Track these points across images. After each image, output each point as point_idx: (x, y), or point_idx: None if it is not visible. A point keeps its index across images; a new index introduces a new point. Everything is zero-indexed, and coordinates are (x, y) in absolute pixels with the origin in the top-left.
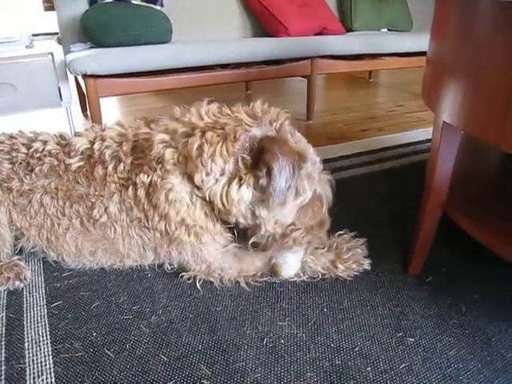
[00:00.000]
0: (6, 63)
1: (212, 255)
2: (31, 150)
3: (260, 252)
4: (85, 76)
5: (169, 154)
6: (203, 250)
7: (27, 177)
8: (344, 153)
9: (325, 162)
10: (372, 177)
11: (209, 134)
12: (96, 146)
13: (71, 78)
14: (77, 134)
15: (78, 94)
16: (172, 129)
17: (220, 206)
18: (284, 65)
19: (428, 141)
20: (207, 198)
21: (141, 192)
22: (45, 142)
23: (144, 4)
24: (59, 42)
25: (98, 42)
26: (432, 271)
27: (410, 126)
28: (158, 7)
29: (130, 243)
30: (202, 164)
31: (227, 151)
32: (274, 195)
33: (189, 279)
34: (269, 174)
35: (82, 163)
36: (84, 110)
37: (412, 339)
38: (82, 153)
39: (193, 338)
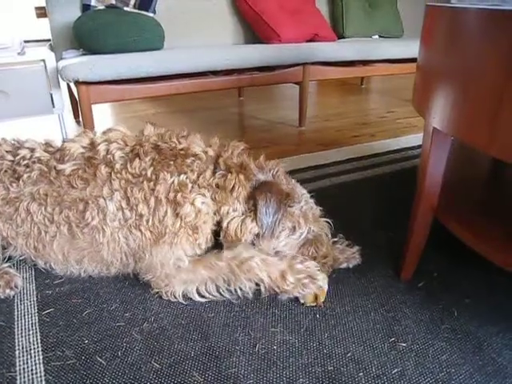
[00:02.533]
0: None
1: (172, 259)
2: (18, 158)
3: (208, 258)
4: (77, 83)
5: (209, 174)
6: (173, 252)
7: (13, 184)
8: (336, 159)
9: (316, 168)
10: (363, 182)
11: (241, 177)
12: (102, 147)
13: (63, 84)
14: (67, 141)
15: (71, 100)
16: (211, 156)
17: (233, 234)
18: (276, 71)
19: (419, 146)
20: (223, 225)
21: (160, 187)
22: (32, 150)
23: (136, 11)
24: (51, 48)
25: (90, 49)
26: (424, 276)
27: (401, 131)
28: (151, 14)
29: (114, 249)
30: (231, 201)
31: (246, 193)
32: (261, 227)
33: (156, 293)
34: (255, 206)
35: (77, 166)
36: (76, 116)
37: (404, 344)
38: (76, 157)
39: (185, 345)
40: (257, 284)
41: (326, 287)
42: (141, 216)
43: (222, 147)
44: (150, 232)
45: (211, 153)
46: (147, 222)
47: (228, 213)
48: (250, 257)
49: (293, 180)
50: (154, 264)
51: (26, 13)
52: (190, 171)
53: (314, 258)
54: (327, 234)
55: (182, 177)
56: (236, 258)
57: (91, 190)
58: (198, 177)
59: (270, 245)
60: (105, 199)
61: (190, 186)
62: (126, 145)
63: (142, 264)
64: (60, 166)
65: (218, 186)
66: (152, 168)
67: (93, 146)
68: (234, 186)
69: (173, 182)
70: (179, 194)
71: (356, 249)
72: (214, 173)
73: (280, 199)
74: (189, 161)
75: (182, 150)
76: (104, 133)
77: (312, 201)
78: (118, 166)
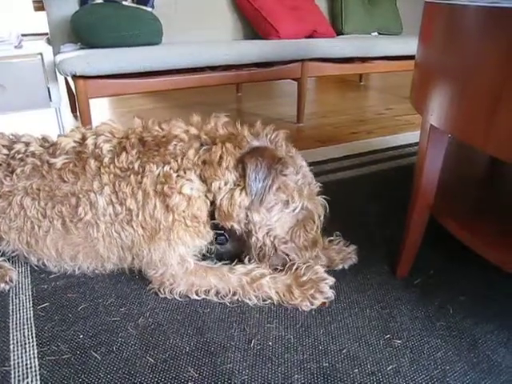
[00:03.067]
0: None
1: (174, 259)
2: (12, 152)
3: (220, 268)
4: (74, 77)
5: (191, 154)
6: (172, 249)
7: (7, 178)
8: (333, 155)
9: (314, 164)
10: (361, 179)
11: (229, 145)
12: (90, 141)
13: (61, 78)
14: (61, 135)
15: (68, 94)
16: (193, 134)
17: (225, 210)
18: (274, 67)
19: (416, 144)
20: (217, 203)
21: (147, 180)
22: (27, 144)
23: (134, 5)
24: (49, 42)
25: (87, 43)
26: (420, 273)
27: (399, 129)
28: (149, 9)
29: (110, 243)
30: (221, 174)
31: (237, 161)
32: (250, 193)
33: (152, 288)
34: (244, 171)
35: (67, 160)
36: (74, 110)
37: (399, 341)
38: (67, 151)
39: (180, 340)
40: (264, 300)
41: (332, 296)
42: (130, 211)
43: (203, 122)
44: (143, 228)
45: (193, 131)
46: (137, 216)
47: (220, 188)
48: (262, 274)
49: (294, 149)
50: (153, 261)
51: (23, 6)
52: (173, 158)
53: (305, 248)
54: (320, 215)
55: (166, 167)
56: (248, 275)
57: (82, 184)
58: (182, 160)
59: (262, 218)
60: (95, 193)
61: (174, 175)
62: (114, 137)
63: (140, 261)
64: (52, 160)
65: (204, 162)
66: (139, 161)
67: (83, 140)
68: (221, 157)
69: (159, 173)
70: (166, 186)
71: (352, 248)
72: (198, 150)
73: (271, 164)
74: (171, 147)
75: (163, 137)
76: (92, 128)
77: (311, 175)
78: (106, 159)
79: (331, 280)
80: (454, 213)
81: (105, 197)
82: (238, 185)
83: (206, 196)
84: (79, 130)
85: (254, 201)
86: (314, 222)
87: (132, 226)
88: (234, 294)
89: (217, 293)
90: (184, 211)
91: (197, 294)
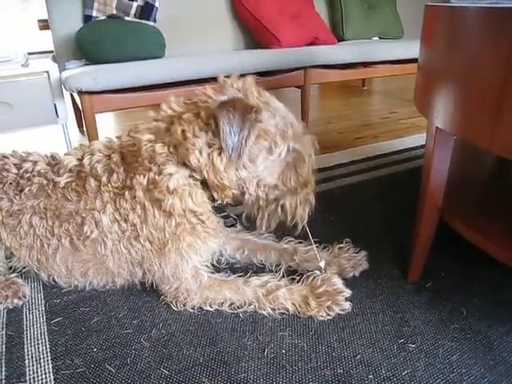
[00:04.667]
0: (2, 82)
1: (187, 272)
2: (21, 171)
3: (235, 281)
4: (80, 93)
5: (159, 148)
6: (185, 261)
7: (17, 197)
8: (340, 161)
9: (321, 171)
10: (368, 184)
11: (185, 115)
12: (86, 160)
13: (67, 94)
14: (66, 154)
15: (74, 110)
16: (154, 128)
17: (215, 181)
18: (277, 76)
19: (422, 146)
20: (205, 176)
21: (139, 192)
22: (35, 163)
23: (137, 20)
24: (54, 59)
25: (92, 59)
26: (431, 276)
27: (404, 132)
28: (151, 23)
29: (119, 260)
30: (191, 144)
31: (204, 122)
32: (227, 148)
33: (164, 300)
34: (217, 126)
35: (70, 179)
36: (80, 126)
37: (413, 345)
38: (70, 170)
39: (194, 351)
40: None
41: (349, 308)
42: (135, 226)
43: (157, 113)
44: (150, 242)
45: (153, 125)
46: (142, 231)
47: (198, 160)
48: (278, 286)
49: (266, 93)
50: (166, 276)
51: (28, 26)
52: (151, 162)
53: (295, 190)
54: (310, 153)
55: (150, 174)
56: (263, 287)
57: (84, 204)
58: (157, 159)
59: (248, 172)
60: (99, 212)
61: (158, 177)
62: (104, 156)
63: (153, 276)
64: (56, 179)
65: (174, 146)
66: (128, 177)
67: (82, 159)
68: (182, 131)
69: (146, 181)
70: (156, 192)
71: (362, 255)
72: (164, 140)
73: (244, 113)
74: (143, 152)
75: (134, 145)
76: (91, 145)
77: (292, 116)
78: (104, 178)
79: (348, 292)
80: (462, 213)
81: (108, 215)
82: (216, 147)
83: (194, 179)
84: (82, 147)
85: (231, 156)
86: (304, 162)
87: (140, 242)
88: (249, 305)
89: (231, 305)
90: (183, 209)
91: (210, 306)
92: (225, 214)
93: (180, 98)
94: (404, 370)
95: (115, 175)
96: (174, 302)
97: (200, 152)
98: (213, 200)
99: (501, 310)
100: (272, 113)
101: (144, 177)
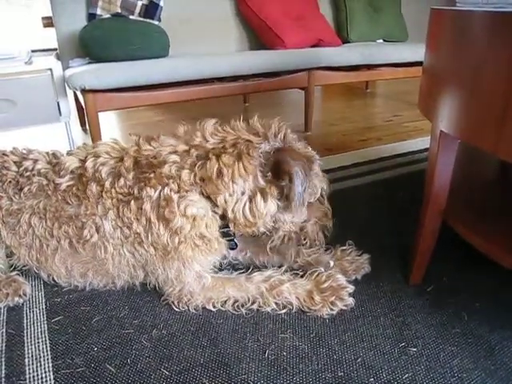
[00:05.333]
0: (6, 79)
1: (190, 276)
2: (21, 169)
3: (237, 279)
4: (83, 91)
5: (186, 175)
6: (187, 267)
7: (16, 196)
8: (343, 163)
9: (323, 172)
10: (371, 187)
11: (225, 158)
12: (89, 163)
13: (70, 92)
14: (68, 153)
15: (77, 108)
16: (182, 151)
17: (243, 221)
18: (281, 77)
19: (426, 150)
20: (229, 215)
21: (147, 205)
22: (35, 161)
23: (141, 19)
24: (58, 57)
25: (96, 58)
26: (433, 280)
27: (408, 135)
28: (156, 22)
29: (120, 263)
30: (224, 187)
31: (245, 170)
32: (296, 199)
33: (165, 300)
34: (291, 181)
35: (72, 182)
36: (83, 124)
37: (414, 349)
38: (71, 172)
39: (194, 352)
40: (284, 306)
41: (352, 303)
42: (138, 234)
43: (190, 134)
44: (154, 248)
45: (182, 147)
46: (146, 238)
47: (226, 201)
48: (281, 281)
49: (302, 142)
50: (169, 279)
51: (32, 23)
52: (171, 179)
53: (320, 221)
54: (324, 187)
55: (166, 189)
56: (266, 282)
57: (85, 209)
58: (179, 181)
59: (297, 216)
60: (100, 218)
61: (175, 197)
62: (111, 158)
63: (156, 278)
64: (57, 180)
65: (202, 179)
66: (137, 185)
67: (85, 161)
68: (219, 171)
69: (158, 197)
70: (166, 210)
71: (365, 258)
72: (192, 169)
73: (304, 166)
74: (165, 169)
75: (154, 157)
76: (95, 147)
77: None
78: (107, 184)
79: (351, 288)
80: (465, 217)
81: (110, 221)
82: (257, 194)
83: (214, 211)
84: (85, 147)
85: (295, 205)
86: (322, 197)
87: (143, 247)
88: (253, 302)
89: (235, 302)
90: (190, 232)
91: (214, 306)
92: (230, 238)
93: (210, 122)
94: (405, 373)
95: (122, 180)
96: (176, 303)
97: (230, 195)
98: (225, 226)
99: (502, 315)
100: (316, 160)
101: (156, 191)
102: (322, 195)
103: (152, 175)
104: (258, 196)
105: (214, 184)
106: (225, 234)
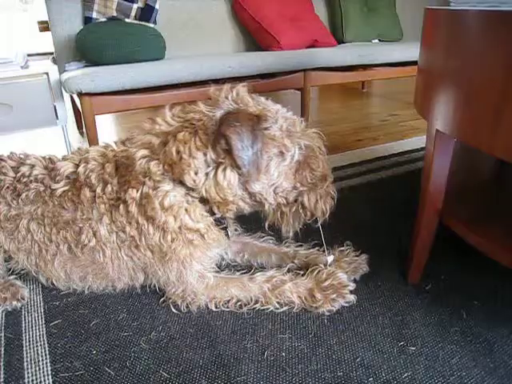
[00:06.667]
0: (2, 84)
1: (192, 276)
2: (18, 175)
3: (240, 278)
4: (80, 94)
5: (154, 166)
6: (188, 268)
7: (14, 202)
8: (339, 163)
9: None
10: (368, 186)
11: (180, 135)
12: (81, 169)
13: (67, 96)
14: (63, 158)
15: (74, 111)
16: (148, 142)
17: (217, 198)
18: (277, 78)
19: (422, 149)
20: (204, 195)
21: (132, 207)
22: (32, 167)
23: (137, 22)
24: (54, 61)
25: (92, 61)
26: (431, 279)
27: (404, 134)
28: (151, 25)
29: (119, 266)
30: (186, 165)
31: (201, 142)
32: (243, 164)
33: (164, 302)
34: (228, 144)
35: (67, 188)
36: (80, 127)
37: (414, 348)
38: (66, 177)
39: (193, 354)
40: (285, 305)
41: (353, 300)
42: (133, 237)
43: (154, 124)
44: (151, 251)
45: (147, 139)
46: (141, 241)
47: (194, 179)
48: (283, 280)
49: (261, 98)
50: (171, 281)
51: (29, 27)
52: (145, 176)
53: (315, 186)
54: (320, 146)
55: (145, 188)
56: (269, 282)
57: (81, 214)
58: (151, 175)
59: (263, 183)
60: (96, 222)
61: (153, 193)
62: (98, 164)
63: (157, 280)
64: (53, 186)
65: (169, 164)
66: (122, 189)
67: (77, 166)
68: (177, 151)
69: (140, 197)
70: (148, 208)
71: (363, 258)
72: (159, 157)
73: (252, 125)
74: (137, 167)
75: (127, 158)
76: (87, 151)
77: (290, 113)
78: (99, 189)
79: (352, 285)
80: (461, 216)
81: (105, 226)
82: (218, 164)
83: (191, 197)
84: (79, 152)
85: (250, 171)
86: (317, 157)
87: (140, 250)
88: (256, 302)
89: (237, 302)
90: (178, 227)
91: (216, 306)
92: (223, 226)
93: (175, 108)
94: (404, 372)
95: (109, 186)
96: (180, 303)
97: (196, 172)
98: (213, 213)
99: (501, 313)
100: (273, 117)
101: (137, 191)
102: (314, 153)
103: (130, 177)
104: (219, 169)
105: (176, 165)
106: (217, 222)
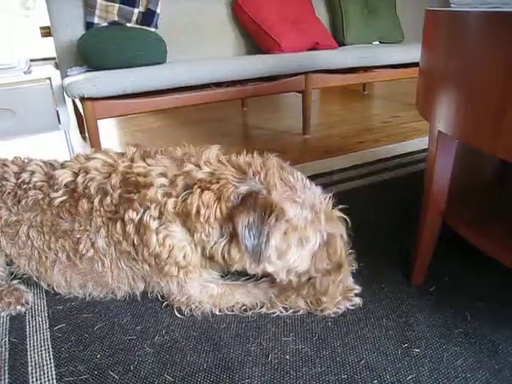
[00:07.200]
0: (5, 89)
1: (194, 288)
2: (19, 181)
3: (245, 285)
4: (82, 99)
5: (171, 204)
6: (187, 283)
7: (14, 207)
8: (341, 165)
9: (322, 175)
10: (370, 188)
11: (206, 196)
12: (80, 179)
13: (69, 101)
14: (62, 165)
15: (76, 116)
16: (171, 175)
17: (222, 261)
18: (278, 81)
19: (424, 150)
20: (208, 254)
21: (130, 228)
22: (32, 173)
23: (138, 26)
24: (56, 66)
25: (94, 66)
26: (435, 280)
27: (406, 136)
28: (153, 29)
29: (119, 275)
30: (200, 227)
31: (221, 213)
32: (246, 250)
33: (169, 305)
34: (234, 229)
35: (65, 198)
36: (82, 132)
37: (418, 350)
38: (65, 185)
39: (197, 357)
40: (291, 309)
41: (360, 303)
42: (129, 253)
43: (184, 159)
44: (149, 265)
45: (173, 171)
46: (138, 256)
47: (203, 240)
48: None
49: (293, 175)
50: (173, 292)
51: (31, 33)
52: (154, 203)
53: (328, 273)
54: (342, 233)
55: (146, 216)
56: (274, 287)
57: (78, 224)
58: (162, 209)
59: (276, 266)
60: (94, 234)
61: (154, 225)
62: (100, 173)
63: (160, 290)
64: (52, 194)
65: (183, 214)
66: (122, 205)
67: (76, 175)
68: (197, 210)
69: (139, 220)
70: (145, 236)
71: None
72: (178, 198)
73: (264, 217)
74: (151, 190)
75: (145, 176)
76: (88, 159)
77: (319, 191)
78: (96, 201)
79: (358, 288)
80: (465, 217)
81: (103, 238)
82: (233, 239)
83: (194, 245)
84: (78, 159)
85: (251, 257)
86: (336, 244)
87: (138, 263)
88: (262, 307)
89: (242, 306)
90: (168, 260)
91: (220, 311)
92: None
93: (214, 149)
94: (408, 374)
95: (108, 198)
96: (184, 309)
97: (207, 236)
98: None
99: (505, 314)
100: (299, 203)
101: (138, 214)
102: (334, 241)
103: (136, 196)
104: (234, 242)
105: (191, 221)
106: None
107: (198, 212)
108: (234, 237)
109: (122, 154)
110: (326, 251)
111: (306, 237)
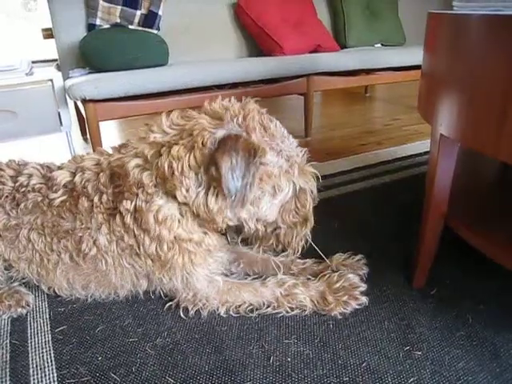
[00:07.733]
0: (7, 91)
1: (200, 282)
2: (17, 184)
3: (252, 284)
4: (84, 101)
5: (147, 178)
6: (193, 275)
7: (13, 211)
8: (343, 168)
9: (324, 178)
10: (372, 191)
11: (174, 150)
12: (77, 178)
13: (71, 102)
14: (59, 167)
15: (78, 118)
16: (141, 151)
17: (205, 217)
18: (280, 83)
19: (426, 153)
20: (194, 211)
21: (127, 219)
22: (29, 176)
23: (140, 28)
24: (58, 68)
25: (96, 68)
26: (436, 283)
27: (408, 139)
28: (155, 31)
29: (122, 273)
30: (178, 182)
31: (196, 161)
32: (229, 194)
33: (171, 306)
34: (218, 172)
35: (64, 197)
36: (84, 133)
37: (419, 352)
38: (64, 186)
39: (199, 359)
40: (297, 308)
41: (366, 302)
42: (131, 246)
43: (149, 131)
44: (151, 260)
45: (142, 147)
46: (139, 250)
47: (185, 196)
48: (295, 284)
49: (272, 122)
50: (178, 288)
51: (33, 34)
52: (139, 187)
53: (294, 225)
54: (312, 189)
55: (138, 201)
56: (281, 286)
57: (80, 223)
58: (144, 187)
59: (249, 213)
60: (95, 232)
61: (145, 206)
62: (93, 173)
63: (164, 287)
64: (51, 196)
65: (161, 178)
66: (116, 199)
67: (74, 175)
68: (169, 166)
69: (133, 209)
70: (142, 221)
71: (359, 257)
72: (151, 168)
73: (248, 157)
74: (130, 178)
75: (121, 166)
76: (83, 160)
77: (295, 143)
78: (96, 199)
79: (364, 286)
80: (467, 219)
81: (105, 235)
82: (210, 187)
83: (184, 210)
84: (75, 160)
85: (234, 201)
86: (306, 199)
87: (141, 259)
88: (268, 306)
89: (249, 306)
90: (173, 237)
91: (227, 311)
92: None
93: (174, 113)
94: (410, 377)
95: (105, 196)
96: (190, 308)
97: (187, 190)
98: None
99: (507, 317)
100: (276, 150)
101: (131, 203)
102: (304, 195)
103: (124, 187)
104: (211, 190)
105: (169, 181)
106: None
107: (170, 167)
108: (211, 185)
109: (110, 155)
110: (294, 204)
111: (279, 186)
